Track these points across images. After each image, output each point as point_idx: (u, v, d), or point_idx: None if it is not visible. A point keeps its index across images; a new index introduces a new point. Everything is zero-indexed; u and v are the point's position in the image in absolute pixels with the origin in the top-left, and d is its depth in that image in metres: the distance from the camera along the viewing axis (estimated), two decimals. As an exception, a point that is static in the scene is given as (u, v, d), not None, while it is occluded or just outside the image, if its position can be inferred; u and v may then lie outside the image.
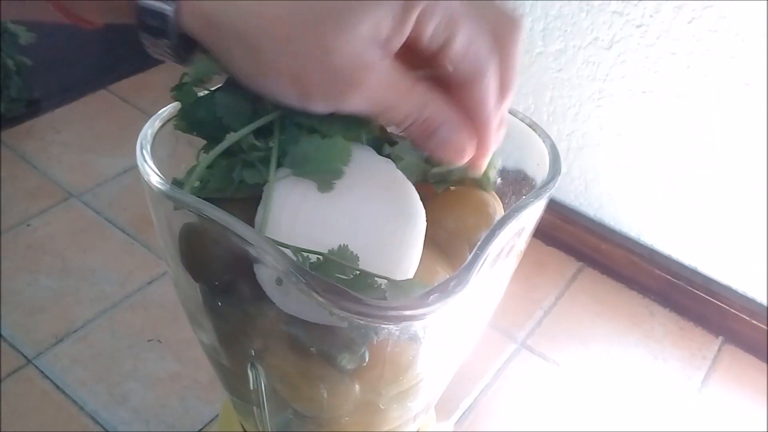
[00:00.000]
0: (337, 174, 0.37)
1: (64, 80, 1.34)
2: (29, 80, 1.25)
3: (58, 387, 0.85)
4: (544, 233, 1.12)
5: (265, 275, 0.37)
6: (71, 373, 0.87)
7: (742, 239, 0.95)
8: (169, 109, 0.42)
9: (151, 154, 0.39)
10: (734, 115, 0.88)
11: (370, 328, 0.34)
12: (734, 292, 1.00)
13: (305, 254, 0.34)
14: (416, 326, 0.35)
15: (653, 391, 0.94)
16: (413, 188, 0.39)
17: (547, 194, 0.41)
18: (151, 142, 0.40)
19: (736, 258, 0.98)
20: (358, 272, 0.35)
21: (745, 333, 0.99)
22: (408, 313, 0.32)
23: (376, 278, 0.34)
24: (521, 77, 1.04)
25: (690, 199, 0.98)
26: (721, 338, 1.01)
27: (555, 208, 1.11)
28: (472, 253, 0.35)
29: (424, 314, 0.32)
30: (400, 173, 0.39)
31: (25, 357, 0.88)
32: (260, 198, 0.38)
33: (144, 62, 1.40)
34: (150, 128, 0.40)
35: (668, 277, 1.04)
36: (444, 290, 0.33)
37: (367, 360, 0.38)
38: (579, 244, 1.10)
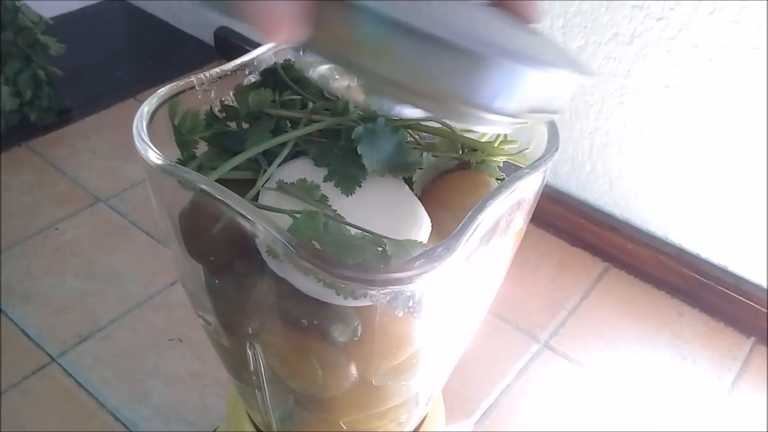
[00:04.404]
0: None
1: (94, 90, 1.37)
2: (60, 90, 1.28)
3: (80, 385, 0.87)
4: (568, 233, 1.10)
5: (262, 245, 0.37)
6: (94, 372, 0.88)
7: (772, 236, 0.93)
8: (167, 89, 0.43)
9: (147, 132, 0.40)
10: (761, 109, 0.86)
11: (361, 294, 0.34)
12: (766, 291, 0.97)
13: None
14: (405, 294, 0.35)
15: (682, 392, 0.91)
16: (418, 201, 0.40)
17: (544, 167, 0.40)
18: (148, 119, 0.40)
19: None
20: (358, 231, 0.35)
21: (779, 333, 0.96)
22: (394, 276, 0.32)
23: (377, 239, 0.34)
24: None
25: (718, 196, 0.95)
26: (753, 339, 0.98)
27: (579, 207, 1.09)
28: (462, 222, 0.35)
29: (410, 278, 0.32)
30: (406, 188, 0.41)
31: (50, 355, 0.89)
32: (252, 181, 0.39)
33: (171, 72, 1.42)
34: (147, 106, 0.41)
35: (697, 276, 1.01)
36: (431, 256, 0.33)
37: (359, 333, 0.37)
38: (604, 244, 1.08)
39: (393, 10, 0.24)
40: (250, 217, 0.34)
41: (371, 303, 0.35)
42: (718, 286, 1.00)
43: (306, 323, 0.38)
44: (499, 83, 0.26)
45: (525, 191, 0.40)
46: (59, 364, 0.89)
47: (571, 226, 1.10)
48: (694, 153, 0.95)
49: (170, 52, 1.53)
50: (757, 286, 0.97)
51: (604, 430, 0.86)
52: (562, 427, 0.86)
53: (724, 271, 1.00)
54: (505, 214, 0.39)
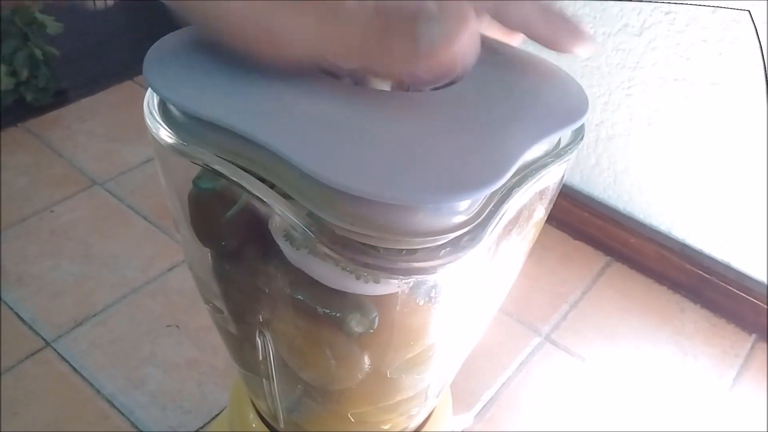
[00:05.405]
0: None
1: (91, 71, 1.35)
2: (57, 71, 1.26)
3: (76, 370, 0.85)
4: (571, 227, 1.09)
5: (278, 231, 0.35)
6: (89, 357, 0.87)
7: (777, 233, 0.92)
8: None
9: (159, 110, 0.38)
10: (770, 103, 0.85)
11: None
12: (769, 288, 0.96)
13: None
14: (428, 284, 0.33)
15: (683, 388, 0.91)
16: None
17: (569, 156, 0.39)
18: (159, 98, 0.39)
19: (771, 253, 0.94)
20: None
21: (780, 331, 0.96)
22: (418, 265, 0.31)
23: None
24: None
25: (723, 192, 0.95)
26: (754, 336, 0.97)
27: (583, 200, 1.08)
28: (487, 210, 0.33)
29: (435, 267, 0.31)
30: None
31: (44, 340, 0.88)
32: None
33: (171, 54, 1.40)
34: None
35: (700, 272, 1.00)
36: (456, 245, 0.31)
37: (376, 325, 0.36)
38: (607, 238, 1.07)
39: (334, 173, 0.28)
40: (267, 201, 0.33)
41: (392, 291, 0.34)
42: (720, 283, 0.99)
43: (321, 312, 0.37)
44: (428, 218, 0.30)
45: (549, 180, 0.38)
46: (54, 349, 0.87)
47: (574, 220, 1.09)
48: (701, 148, 0.94)
49: (169, 35, 1.50)
50: (760, 283, 0.97)
51: (605, 424, 0.86)
52: (563, 421, 0.86)
53: (727, 268, 0.99)
54: (527, 204, 0.38)
